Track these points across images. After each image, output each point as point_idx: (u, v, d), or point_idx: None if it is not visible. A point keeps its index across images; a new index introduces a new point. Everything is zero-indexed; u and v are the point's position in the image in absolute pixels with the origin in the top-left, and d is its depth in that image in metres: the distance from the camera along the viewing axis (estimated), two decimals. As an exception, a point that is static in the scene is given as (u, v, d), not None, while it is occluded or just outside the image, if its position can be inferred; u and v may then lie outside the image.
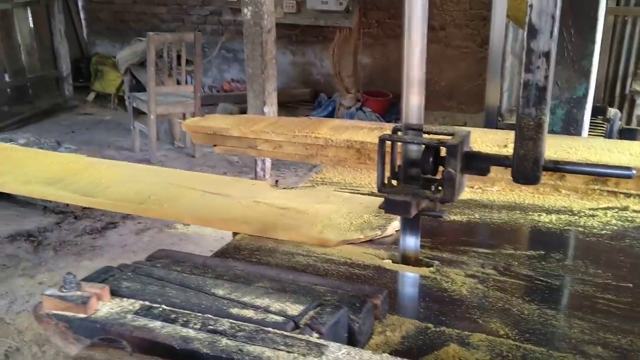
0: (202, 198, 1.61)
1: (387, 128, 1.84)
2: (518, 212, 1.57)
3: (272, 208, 1.53)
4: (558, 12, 1.01)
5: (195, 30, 6.42)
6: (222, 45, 7.03)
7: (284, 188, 1.37)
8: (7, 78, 6.78)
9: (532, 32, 1.00)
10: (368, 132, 1.87)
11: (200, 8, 7.19)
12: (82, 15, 7.81)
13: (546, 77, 1.02)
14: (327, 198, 1.61)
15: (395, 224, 1.41)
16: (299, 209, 1.51)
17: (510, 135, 1.78)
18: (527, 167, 1.08)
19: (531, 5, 1.00)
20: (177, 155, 5.32)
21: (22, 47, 6.89)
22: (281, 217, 1.47)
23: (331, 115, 6.02)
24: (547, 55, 1.01)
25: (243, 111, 5.20)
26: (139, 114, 5.35)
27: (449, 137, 1.16)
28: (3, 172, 1.79)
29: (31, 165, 1.85)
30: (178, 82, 5.32)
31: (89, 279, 1.06)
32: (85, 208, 3.84)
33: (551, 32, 1.01)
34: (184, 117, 5.34)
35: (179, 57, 5.12)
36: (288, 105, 6.11)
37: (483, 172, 1.16)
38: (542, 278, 1.21)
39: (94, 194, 1.61)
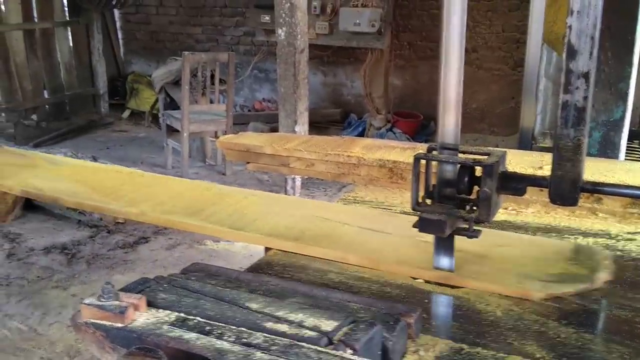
0: (361, 235, 1.48)
1: (420, 148, 1.84)
2: (554, 234, 1.54)
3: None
4: (597, 34, 1.00)
5: (229, 50, 6.54)
6: (255, 65, 7.13)
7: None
8: (46, 95, 6.99)
9: (572, 53, 1.00)
10: (400, 151, 1.87)
11: (234, 29, 7.33)
12: (119, 35, 8.02)
13: (585, 98, 1.02)
14: (506, 240, 1.46)
15: (603, 275, 1.27)
16: (479, 252, 1.36)
17: (546, 157, 1.77)
18: (564, 189, 1.07)
19: (570, 27, 1.00)
20: (208, 172, 5.39)
21: (61, 65, 7.10)
22: (463, 262, 1.31)
23: (361, 135, 6.03)
24: (586, 76, 1.01)
25: (273, 130, 5.25)
26: (172, 131, 5.45)
27: (485, 157, 1.15)
28: (137, 201, 1.72)
29: (163, 193, 1.79)
30: (211, 101, 5.41)
31: (126, 289, 1.08)
32: (118, 222, 3.92)
33: (590, 53, 1.01)
34: (215, 135, 5.41)
35: (212, 76, 5.22)
36: (318, 125, 6.15)
37: (519, 192, 1.15)
38: (579, 301, 1.19)
39: (243, 227, 1.53)
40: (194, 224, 1.57)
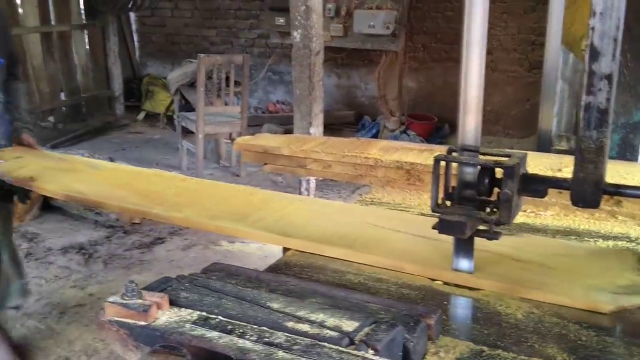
0: (414, 243, 1.44)
1: (437, 150, 1.84)
2: (573, 237, 1.53)
3: (505, 259, 1.34)
4: (620, 35, 1.00)
5: (243, 52, 6.57)
6: (269, 67, 7.16)
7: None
8: (63, 97, 7.06)
9: (594, 55, 1.00)
10: (418, 153, 1.88)
11: (249, 31, 7.36)
12: (135, 38, 8.09)
13: (608, 100, 1.01)
14: (567, 249, 1.42)
15: None
16: (541, 262, 1.33)
17: (565, 159, 1.76)
18: (586, 191, 1.06)
19: (593, 28, 1.00)
20: (222, 174, 5.42)
21: (78, 67, 7.18)
22: (524, 272, 1.27)
23: (375, 137, 6.03)
24: (609, 77, 1.01)
25: (287, 132, 5.26)
26: (186, 133, 5.48)
27: (506, 159, 1.15)
28: (181, 205, 1.69)
29: (206, 198, 1.77)
30: (226, 103, 5.44)
31: (149, 288, 1.09)
32: (134, 223, 3.95)
33: (613, 55, 1.00)
34: (230, 137, 5.44)
35: (227, 78, 5.25)
36: (332, 127, 6.15)
37: (540, 194, 1.15)
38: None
39: (292, 234, 1.50)
40: (243, 230, 1.55)
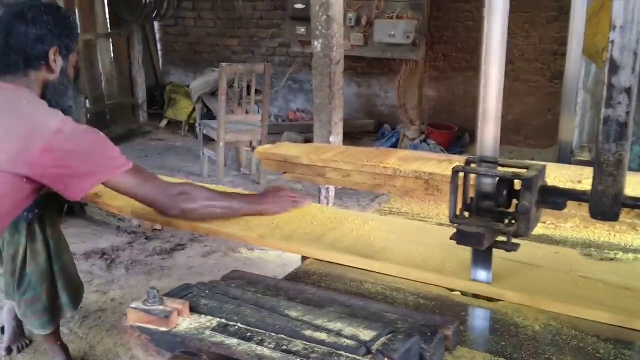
0: (520, 270, 1.34)
1: (456, 160, 1.85)
2: (593, 249, 1.53)
3: (613, 288, 1.26)
4: (640, 48, 1.00)
5: (264, 61, 6.63)
6: (289, 76, 7.21)
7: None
8: (87, 104, 7.19)
9: (614, 68, 1.00)
10: (437, 163, 1.88)
11: (270, 40, 7.42)
12: (158, 46, 8.21)
13: (627, 113, 1.01)
14: None
15: None
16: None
17: (585, 171, 1.75)
18: (605, 203, 1.06)
19: (613, 41, 1.00)
20: (242, 181, 5.46)
21: (102, 75, 7.30)
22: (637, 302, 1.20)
23: (394, 146, 6.02)
24: (628, 91, 1.01)
25: (307, 140, 5.29)
26: (207, 140, 5.54)
27: (524, 171, 1.15)
28: (251, 224, 1.63)
29: (277, 216, 1.68)
30: (246, 111, 5.49)
31: (169, 294, 1.12)
32: (155, 229, 4.00)
33: (633, 68, 1.00)
34: (250, 145, 5.48)
35: (248, 87, 5.29)
36: (352, 136, 6.17)
37: (559, 206, 1.15)
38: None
39: (373, 256, 1.43)
40: (319, 252, 1.48)
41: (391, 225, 1.65)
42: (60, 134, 1.45)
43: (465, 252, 1.27)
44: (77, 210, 4.22)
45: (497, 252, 1.24)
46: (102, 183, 1.53)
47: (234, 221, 1.64)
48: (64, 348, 2.55)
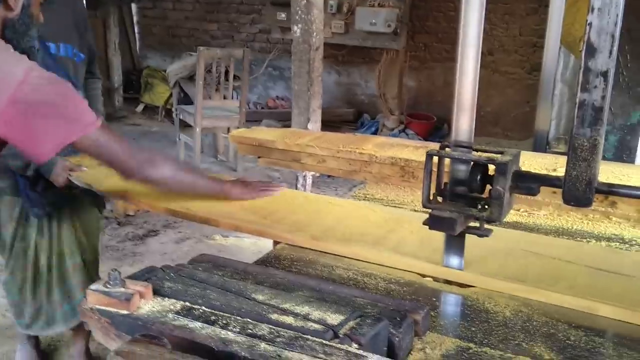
0: (591, 278, 1.24)
1: (433, 147, 1.82)
2: (566, 237, 1.52)
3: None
4: (618, 32, 0.98)
5: (244, 47, 6.55)
6: (269, 62, 7.14)
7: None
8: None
9: (591, 51, 0.98)
10: (413, 150, 1.86)
11: (250, 26, 7.34)
12: (136, 29, 8.07)
13: (603, 97, 1.00)
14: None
15: None
16: None
17: (560, 159, 1.75)
18: (579, 189, 1.05)
19: (590, 24, 0.98)
20: (219, 168, 5.40)
21: (78, 57, 7.16)
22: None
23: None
24: (605, 74, 0.99)
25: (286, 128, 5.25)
26: (184, 126, 5.47)
27: (498, 156, 1.14)
28: (301, 224, 1.51)
29: (324, 214, 1.59)
30: (224, 97, 5.42)
31: (133, 277, 1.08)
32: (128, 215, 3.93)
33: (610, 52, 0.99)
34: (228, 131, 5.42)
35: (226, 72, 5.22)
36: (331, 125, 6.13)
37: (532, 192, 1.14)
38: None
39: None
40: (396, 259, 1.34)
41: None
42: (26, 84, 1.28)
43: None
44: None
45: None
46: (71, 143, 1.37)
47: (276, 219, 1.54)
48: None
